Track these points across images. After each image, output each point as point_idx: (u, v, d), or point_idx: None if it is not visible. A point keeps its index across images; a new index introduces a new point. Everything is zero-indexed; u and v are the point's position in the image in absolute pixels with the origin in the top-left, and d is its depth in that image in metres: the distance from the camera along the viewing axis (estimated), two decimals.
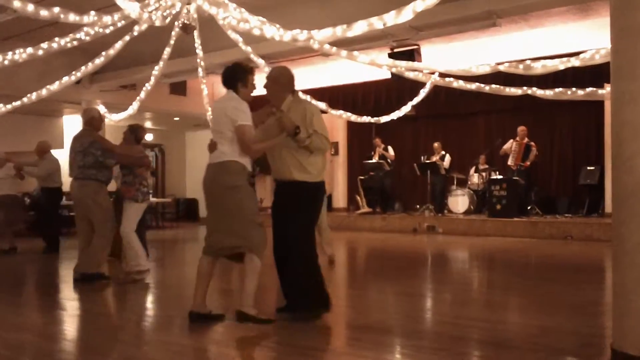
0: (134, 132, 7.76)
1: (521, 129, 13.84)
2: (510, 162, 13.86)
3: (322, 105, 12.55)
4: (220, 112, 5.06)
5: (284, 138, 4.91)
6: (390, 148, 15.56)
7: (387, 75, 12.62)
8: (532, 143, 13.68)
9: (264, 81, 5.25)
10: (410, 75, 10.66)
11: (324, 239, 8.49)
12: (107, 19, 8.11)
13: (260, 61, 10.55)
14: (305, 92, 12.65)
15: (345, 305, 6.10)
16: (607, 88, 9.59)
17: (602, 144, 13.21)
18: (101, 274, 7.42)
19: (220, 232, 4.96)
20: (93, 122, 7.62)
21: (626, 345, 3.66)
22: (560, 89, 9.94)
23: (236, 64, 5.25)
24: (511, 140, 13.97)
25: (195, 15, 8.82)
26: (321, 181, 5.12)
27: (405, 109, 13.50)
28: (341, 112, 13.24)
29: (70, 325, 5.45)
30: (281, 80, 5.20)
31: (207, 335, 4.90)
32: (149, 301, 6.62)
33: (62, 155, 15.67)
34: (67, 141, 17.90)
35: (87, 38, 8.81)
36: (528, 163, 13.62)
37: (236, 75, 5.13)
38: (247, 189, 4.97)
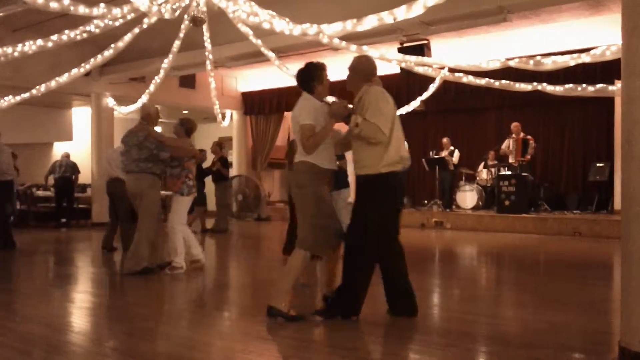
0: (184, 125, 7.80)
1: (514, 125, 13.83)
2: (511, 159, 13.83)
3: (331, 99, 12.50)
4: (293, 115, 5.06)
5: (331, 127, 4.95)
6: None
7: (397, 70, 12.59)
8: (529, 137, 13.65)
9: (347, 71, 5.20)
10: (420, 70, 10.64)
11: None
12: (116, 11, 8.11)
13: (270, 54, 10.54)
14: None
15: None
16: (618, 84, 9.54)
17: (612, 141, 13.15)
18: (146, 268, 7.42)
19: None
20: (149, 118, 7.76)
21: (634, 343, 3.65)
22: (571, 85, 9.89)
23: (309, 64, 5.20)
24: (507, 139, 13.94)
25: (204, 9, 8.80)
26: (381, 173, 4.76)
27: (415, 103, 13.48)
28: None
29: (78, 317, 5.47)
30: (357, 69, 5.12)
31: (215, 329, 4.93)
32: (157, 294, 6.65)
33: (70, 148, 15.81)
34: (76, 133, 18.05)
35: (97, 30, 8.81)
36: (528, 157, 13.57)
37: (311, 75, 5.11)
38: (312, 189, 4.91)
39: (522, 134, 13.74)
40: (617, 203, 12.52)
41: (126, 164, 7.56)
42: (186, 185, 7.47)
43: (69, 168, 14.72)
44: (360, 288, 4.92)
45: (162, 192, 7.97)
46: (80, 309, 5.83)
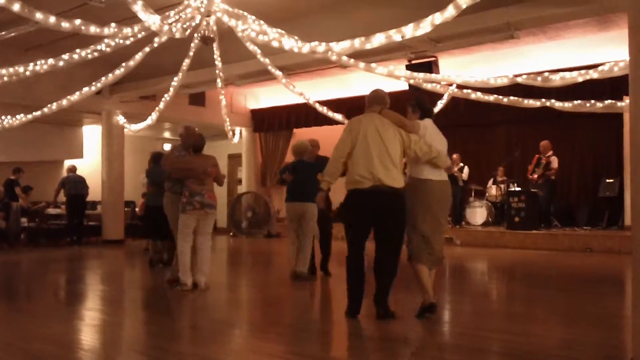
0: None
1: (541, 143, 13.74)
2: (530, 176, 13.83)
3: (339, 116, 12.57)
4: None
5: None
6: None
7: (405, 86, 12.64)
8: (546, 156, 13.52)
9: None
10: (428, 86, 10.67)
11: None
12: (127, 30, 8.19)
13: (278, 73, 10.61)
14: (323, 103, 12.70)
15: (364, 315, 6.09)
16: (627, 100, 9.53)
17: (622, 156, 13.10)
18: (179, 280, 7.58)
19: None
20: (181, 138, 8.11)
21: None
22: (579, 101, 9.88)
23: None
24: None
25: (214, 28, 8.89)
26: (349, 190, 5.51)
27: None
28: None
29: (88, 335, 5.48)
30: (369, 99, 5.76)
31: (225, 346, 4.92)
32: (168, 312, 6.65)
33: (80, 165, 15.90)
34: (87, 151, 18.14)
35: (108, 49, 8.90)
36: (535, 176, 13.52)
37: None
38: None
39: (549, 152, 13.59)
40: (628, 219, 12.46)
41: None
42: (180, 202, 7.43)
43: (82, 185, 14.70)
44: (349, 287, 5.56)
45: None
46: (90, 326, 5.84)
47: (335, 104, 14.05)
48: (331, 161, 5.54)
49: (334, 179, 5.63)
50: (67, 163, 17.51)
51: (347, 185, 5.48)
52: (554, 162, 13.45)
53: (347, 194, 5.48)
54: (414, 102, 6.02)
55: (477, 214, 14.37)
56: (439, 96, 12.05)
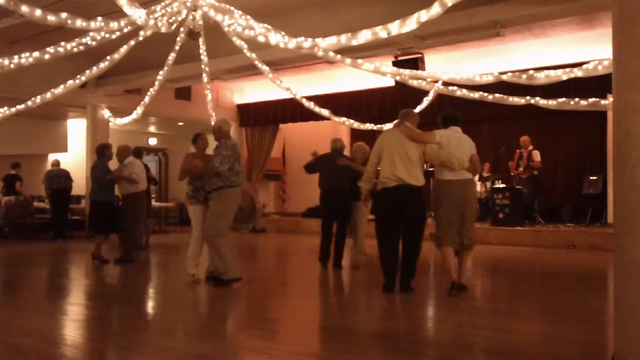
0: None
1: (521, 138, 13.90)
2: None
3: (325, 112, 12.57)
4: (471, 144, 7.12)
5: None
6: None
7: (391, 82, 12.65)
8: (527, 150, 13.67)
9: None
10: (414, 83, 10.70)
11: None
12: (113, 24, 8.14)
13: (265, 68, 10.59)
14: (310, 98, 12.69)
15: (350, 312, 6.12)
16: (610, 98, 9.59)
17: (605, 153, 13.21)
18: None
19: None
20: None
21: (628, 356, 3.67)
22: (564, 99, 9.94)
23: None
24: None
25: (201, 22, 8.86)
26: (380, 188, 6.89)
27: None
28: (344, 119, 13.30)
29: (71, 330, 5.46)
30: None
31: (210, 341, 4.89)
32: (152, 306, 6.64)
33: (65, 159, 15.78)
34: (71, 145, 18.02)
35: (93, 43, 8.84)
36: (520, 169, 13.71)
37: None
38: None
39: (530, 147, 13.73)
40: (611, 215, 12.56)
41: None
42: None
43: (66, 179, 14.56)
44: (383, 268, 6.88)
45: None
46: (73, 321, 5.81)
47: (322, 100, 14.06)
48: (366, 170, 7.00)
49: (369, 184, 7.04)
50: (52, 157, 17.40)
51: (379, 185, 6.81)
52: (536, 155, 13.59)
53: (378, 192, 6.86)
54: (441, 114, 7.39)
55: None
56: (425, 93, 12.09)
